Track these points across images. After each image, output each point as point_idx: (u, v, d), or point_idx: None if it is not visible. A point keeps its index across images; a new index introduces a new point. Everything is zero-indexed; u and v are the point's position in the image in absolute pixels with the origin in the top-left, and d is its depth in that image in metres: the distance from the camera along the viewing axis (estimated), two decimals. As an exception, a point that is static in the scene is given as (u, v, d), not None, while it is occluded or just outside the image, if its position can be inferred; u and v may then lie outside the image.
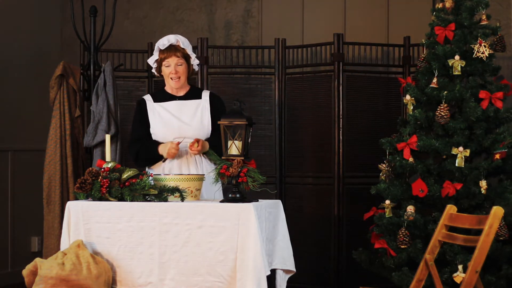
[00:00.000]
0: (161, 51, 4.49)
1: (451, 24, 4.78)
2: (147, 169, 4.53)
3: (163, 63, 4.49)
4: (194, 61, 4.56)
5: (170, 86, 4.56)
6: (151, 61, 4.55)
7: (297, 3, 6.43)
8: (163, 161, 4.46)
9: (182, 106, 4.53)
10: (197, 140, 4.37)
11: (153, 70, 4.59)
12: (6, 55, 6.36)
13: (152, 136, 4.52)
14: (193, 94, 4.59)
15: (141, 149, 4.51)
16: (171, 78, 4.49)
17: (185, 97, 4.57)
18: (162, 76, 4.57)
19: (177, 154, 4.42)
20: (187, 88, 4.59)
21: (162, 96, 4.60)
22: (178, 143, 4.38)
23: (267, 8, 6.51)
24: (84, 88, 5.60)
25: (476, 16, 4.84)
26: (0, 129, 6.28)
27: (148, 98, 4.61)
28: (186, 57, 4.49)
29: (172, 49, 4.46)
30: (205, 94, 4.59)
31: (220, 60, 5.92)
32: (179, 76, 4.49)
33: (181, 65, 4.48)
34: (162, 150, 4.42)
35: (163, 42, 4.49)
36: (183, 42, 4.50)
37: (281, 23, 6.43)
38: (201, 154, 4.46)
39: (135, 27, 6.81)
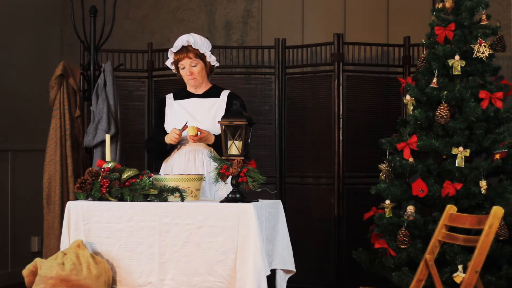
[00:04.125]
0: (174, 53, 4.50)
1: (451, 24, 4.78)
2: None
3: (178, 65, 4.51)
4: (211, 58, 4.52)
5: (190, 85, 4.59)
6: (169, 63, 4.57)
7: (297, 3, 6.43)
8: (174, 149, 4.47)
9: (198, 104, 4.54)
10: (198, 130, 4.35)
11: (174, 71, 4.61)
12: (6, 55, 6.36)
13: (167, 132, 4.53)
14: (213, 92, 4.58)
15: (152, 142, 4.58)
16: (188, 79, 4.52)
17: (204, 95, 4.57)
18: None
19: (186, 147, 4.44)
20: (208, 86, 4.60)
21: (182, 94, 4.62)
22: (183, 129, 4.36)
23: (267, 8, 6.50)
24: (84, 88, 5.59)
25: (476, 16, 4.84)
26: (0, 129, 6.27)
27: (169, 96, 4.63)
28: (201, 56, 4.49)
29: (184, 51, 4.47)
30: (224, 94, 4.56)
31: (220, 60, 5.90)
32: (195, 77, 4.49)
33: (195, 65, 4.47)
34: (166, 138, 4.45)
35: (177, 43, 4.49)
36: (195, 42, 4.48)
37: (281, 23, 6.43)
38: (212, 151, 4.45)
39: (135, 27, 6.81)
